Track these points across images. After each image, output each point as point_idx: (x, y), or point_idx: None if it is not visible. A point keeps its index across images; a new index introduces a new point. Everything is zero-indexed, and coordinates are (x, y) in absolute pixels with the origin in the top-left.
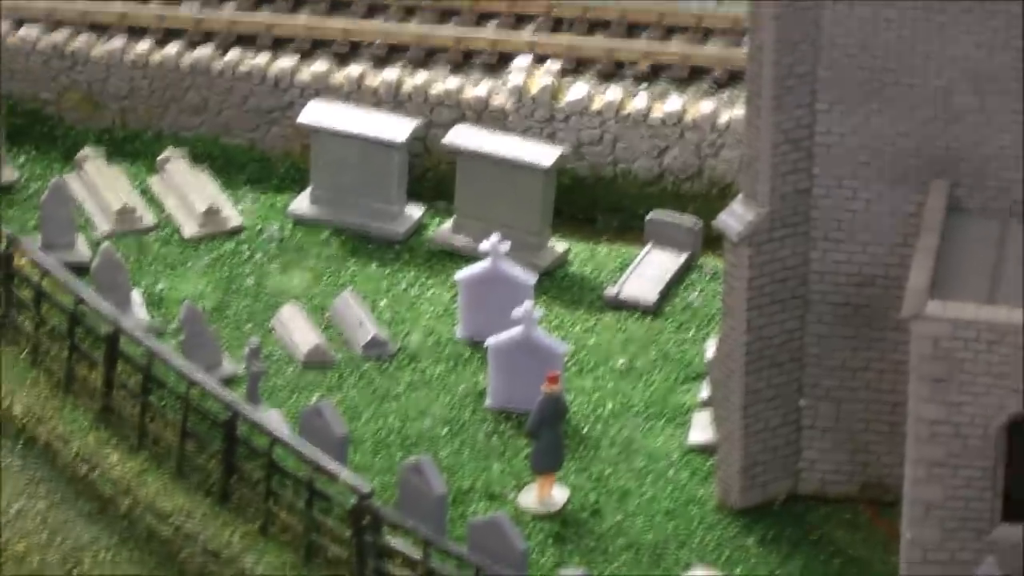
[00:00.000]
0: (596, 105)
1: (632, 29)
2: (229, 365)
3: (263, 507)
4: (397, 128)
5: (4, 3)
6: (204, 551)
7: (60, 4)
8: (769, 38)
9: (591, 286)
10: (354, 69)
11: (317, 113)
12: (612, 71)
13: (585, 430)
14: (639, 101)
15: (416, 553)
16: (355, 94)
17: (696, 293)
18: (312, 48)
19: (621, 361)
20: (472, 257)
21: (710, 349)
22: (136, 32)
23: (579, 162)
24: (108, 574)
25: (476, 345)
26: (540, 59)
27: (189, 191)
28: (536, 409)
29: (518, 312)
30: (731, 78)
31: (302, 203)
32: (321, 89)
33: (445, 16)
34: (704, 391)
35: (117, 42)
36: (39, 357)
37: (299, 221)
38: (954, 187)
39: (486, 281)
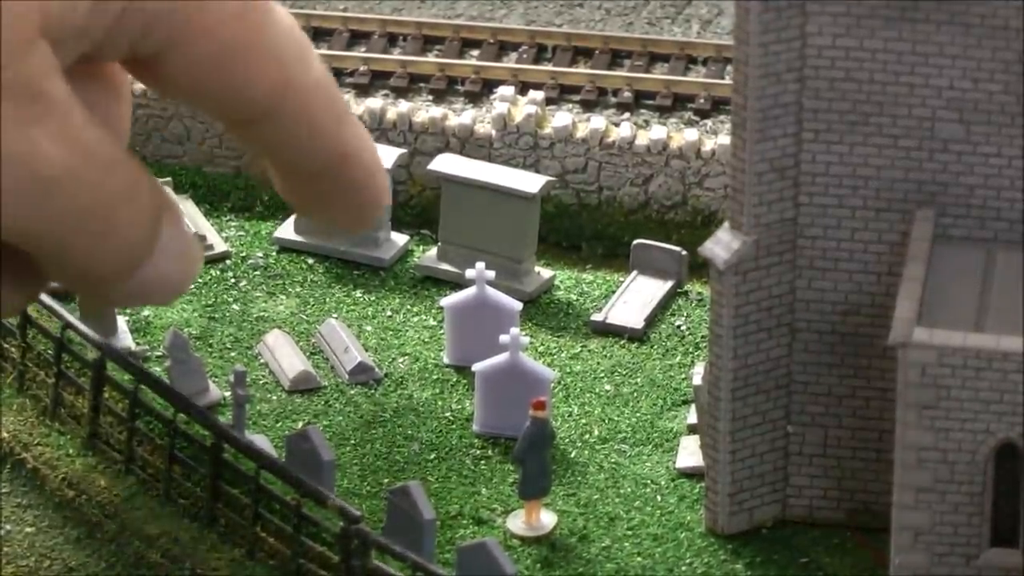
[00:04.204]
0: (580, 133)
1: (615, 57)
2: (215, 391)
3: (250, 532)
4: (382, 155)
5: None
6: (192, 575)
7: None
8: (754, 70)
9: (577, 313)
10: None
11: None
12: (595, 99)
13: (572, 455)
14: (623, 129)
15: None
16: None
17: (682, 319)
18: None
19: (608, 387)
20: (457, 284)
21: (697, 375)
22: None
23: (564, 190)
24: None
25: (462, 370)
26: (523, 88)
27: None
28: (523, 435)
29: (505, 339)
30: (715, 106)
31: (287, 230)
32: None
33: (428, 44)
34: (691, 417)
35: None
36: (25, 383)
37: (284, 248)
38: (940, 216)
39: (472, 307)
